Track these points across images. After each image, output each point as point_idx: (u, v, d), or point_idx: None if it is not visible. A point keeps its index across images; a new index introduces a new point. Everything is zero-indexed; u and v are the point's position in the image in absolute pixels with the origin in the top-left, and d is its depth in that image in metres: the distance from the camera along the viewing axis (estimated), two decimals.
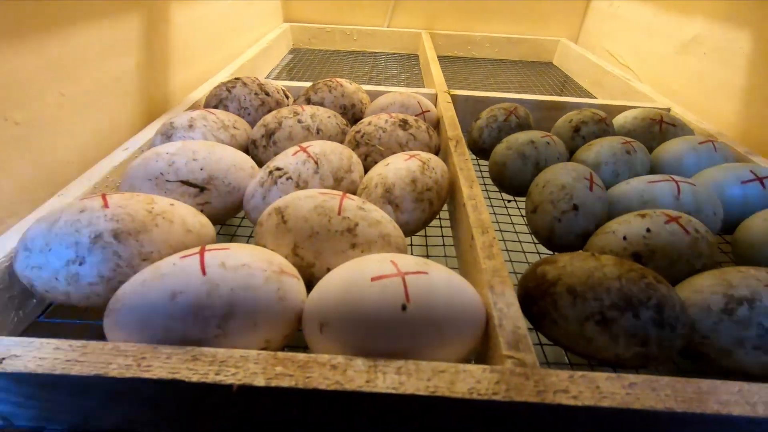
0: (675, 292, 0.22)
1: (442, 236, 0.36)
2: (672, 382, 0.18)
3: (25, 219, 0.26)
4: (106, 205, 0.24)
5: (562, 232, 0.31)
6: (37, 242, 0.23)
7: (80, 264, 0.23)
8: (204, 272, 0.20)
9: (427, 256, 0.34)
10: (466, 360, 0.21)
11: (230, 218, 0.34)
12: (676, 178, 0.33)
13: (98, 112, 0.36)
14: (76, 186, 0.30)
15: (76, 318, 0.27)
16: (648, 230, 0.27)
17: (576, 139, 0.44)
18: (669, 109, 0.53)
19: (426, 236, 0.36)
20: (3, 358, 0.18)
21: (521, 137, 0.39)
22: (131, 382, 0.18)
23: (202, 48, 0.56)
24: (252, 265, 0.21)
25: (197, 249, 0.22)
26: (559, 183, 0.32)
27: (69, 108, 0.33)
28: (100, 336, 0.30)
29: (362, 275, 0.20)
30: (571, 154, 0.42)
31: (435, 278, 0.21)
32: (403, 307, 0.19)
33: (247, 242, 0.36)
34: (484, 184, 0.43)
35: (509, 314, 0.22)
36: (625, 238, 0.27)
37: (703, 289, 0.24)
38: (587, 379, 0.18)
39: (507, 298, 0.23)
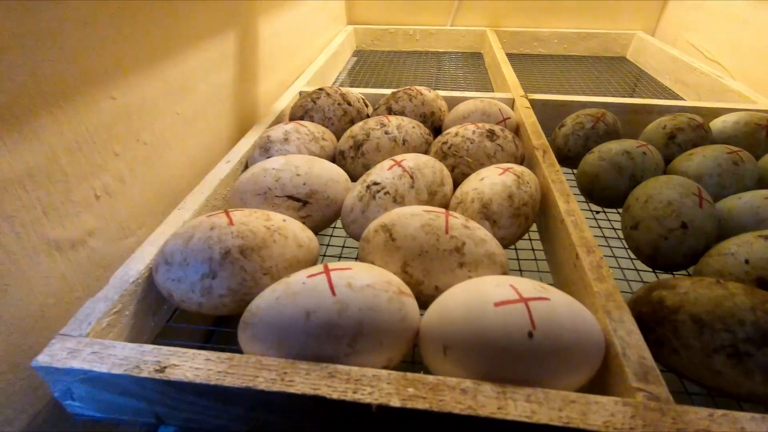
0: None
1: (533, 249, 0.35)
2: None
3: (155, 232, 0.28)
4: (231, 222, 0.26)
5: (668, 251, 0.30)
6: (176, 257, 0.25)
7: (213, 278, 0.25)
8: (334, 292, 0.21)
9: (520, 271, 0.34)
10: (581, 389, 0.21)
11: (325, 229, 0.35)
12: None
13: (203, 127, 0.39)
14: (191, 199, 0.32)
15: (198, 323, 0.29)
16: None
17: (671, 147, 0.41)
18: None
19: (516, 249, 0.36)
20: (165, 367, 0.20)
21: (614, 147, 0.38)
22: (277, 396, 0.19)
23: (281, 57, 0.59)
24: (375, 286, 0.22)
25: (321, 268, 0.23)
26: (665, 199, 0.31)
27: (181, 125, 0.35)
28: (220, 341, 0.33)
29: (484, 300, 0.21)
30: (666, 163, 0.40)
31: (557, 304, 0.21)
32: (530, 335, 0.19)
33: (341, 254, 0.38)
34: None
35: (632, 343, 0.21)
36: (747, 261, 0.26)
37: None
38: (729, 419, 0.18)
39: (627, 325, 0.22)
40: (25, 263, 0.22)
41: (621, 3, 0.88)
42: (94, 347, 0.21)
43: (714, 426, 0.17)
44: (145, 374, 0.20)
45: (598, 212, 0.41)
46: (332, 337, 0.20)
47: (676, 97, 0.67)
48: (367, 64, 0.85)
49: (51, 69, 0.23)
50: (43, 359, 0.20)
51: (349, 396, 0.19)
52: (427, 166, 0.34)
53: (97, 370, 0.20)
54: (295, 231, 0.28)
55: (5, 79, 0.21)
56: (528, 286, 0.22)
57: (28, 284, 0.22)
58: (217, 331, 0.32)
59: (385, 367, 0.22)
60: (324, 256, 0.36)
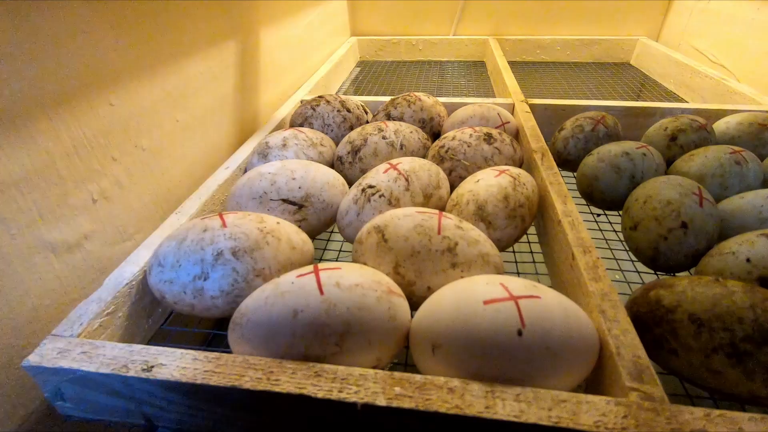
0: None
1: (531, 252, 0.35)
2: None
3: (152, 235, 0.29)
4: (224, 225, 0.26)
5: (668, 252, 0.29)
6: (168, 259, 0.25)
7: (205, 279, 0.25)
8: (322, 291, 0.21)
9: (518, 274, 0.34)
10: (577, 389, 0.21)
11: (322, 233, 0.35)
12: None
13: (203, 134, 0.40)
14: (189, 204, 0.32)
15: (193, 327, 0.29)
16: None
17: (672, 149, 0.41)
18: None
19: (515, 252, 0.35)
20: (152, 366, 0.20)
21: (614, 149, 0.38)
22: (262, 395, 0.19)
23: (284, 68, 0.60)
24: (364, 285, 0.22)
25: (311, 268, 0.23)
26: (664, 198, 0.30)
27: (181, 133, 0.36)
28: (211, 343, 0.33)
29: (473, 298, 0.21)
30: (667, 165, 0.39)
31: (548, 302, 0.20)
32: (519, 333, 0.19)
33: (337, 257, 0.38)
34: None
35: (626, 342, 0.21)
36: (748, 260, 0.25)
37: None
38: (727, 419, 0.17)
39: (622, 324, 0.22)
40: (19, 264, 0.22)
41: (624, 9, 0.88)
42: (84, 347, 0.21)
43: (710, 426, 0.17)
44: (132, 373, 0.20)
45: (599, 215, 0.40)
46: (319, 336, 0.20)
47: (681, 100, 0.66)
48: (370, 74, 0.86)
49: (49, 76, 0.24)
50: (33, 359, 0.21)
51: (335, 395, 0.18)
52: (422, 168, 0.34)
53: (85, 369, 0.20)
54: (289, 233, 0.28)
55: (3, 85, 0.21)
56: (519, 284, 0.21)
57: (21, 285, 0.23)
58: (214, 334, 0.32)
59: (375, 368, 0.21)
60: (320, 260, 0.36)
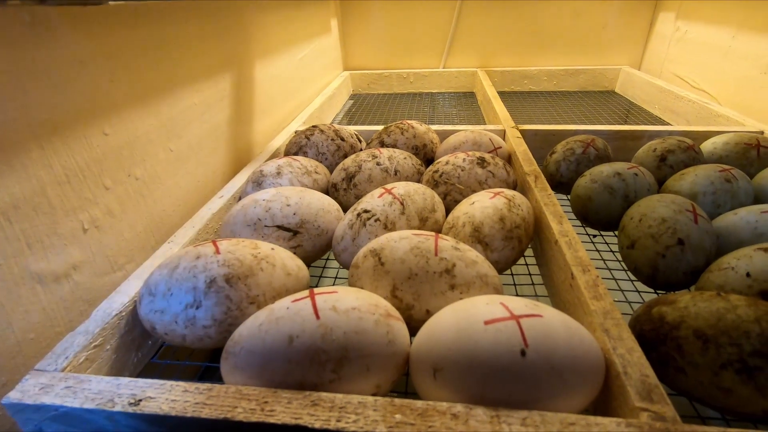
0: None
1: (530, 274, 0.35)
2: None
3: (143, 265, 0.28)
4: (217, 251, 0.26)
5: (667, 269, 0.29)
6: (160, 288, 0.24)
7: (197, 308, 0.24)
8: (318, 316, 0.20)
9: (517, 296, 0.33)
10: (584, 412, 0.20)
11: (317, 260, 0.35)
12: None
13: (197, 164, 0.40)
14: (182, 232, 0.32)
15: (184, 359, 0.28)
16: None
17: (663, 169, 0.41)
18: (762, 132, 0.49)
19: (513, 275, 0.35)
20: (140, 400, 0.19)
21: (605, 169, 0.38)
22: (256, 427, 0.18)
23: (278, 100, 0.61)
24: (361, 308, 0.21)
25: (306, 293, 0.22)
26: (659, 216, 0.31)
27: (174, 162, 0.36)
28: (203, 376, 0.31)
29: (474, 318, 0.20)
30: (659, 186, 0.39)
31: (550, 321, 0.20)
32: (522, 353, 0.19)
33: (334, 284, 0.37)
34: None
35: (633, 360, 0.20)
36: (748, 274, 0.25)
37: None
38: None
39: (627, 343, 0.21)
40: (4, 296, 0.22)
41: (606, 40, 0.91)
42: (69, 381, 0.20)
43: None
44: (118, 408, 0.19)
45: (595, 236, 0.40)
46: (316, 362, 0.20)
47: (667, 124, 0.68)
48: (363, 106, 0.87)
49: (43, 105, 0.24)
50: (14, 395, 0.20)
51: (333, 425, 0.18)
52: (417, 192, 0.34)
53: (68, 405, 0.19)
54: (284, 259, 0.28)
55: None
56: (520, 303, 0.21)
57: (5, 317, 0.22)
58: (207, 366, 0.31)
59: (374, 395, 0.21)
60: (317, 287, 0.36)
